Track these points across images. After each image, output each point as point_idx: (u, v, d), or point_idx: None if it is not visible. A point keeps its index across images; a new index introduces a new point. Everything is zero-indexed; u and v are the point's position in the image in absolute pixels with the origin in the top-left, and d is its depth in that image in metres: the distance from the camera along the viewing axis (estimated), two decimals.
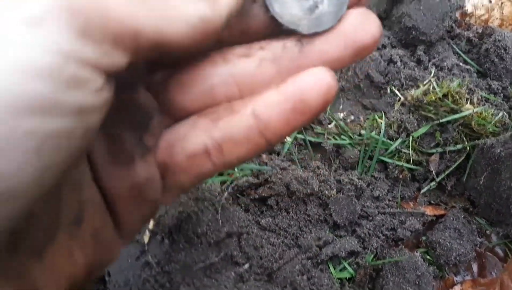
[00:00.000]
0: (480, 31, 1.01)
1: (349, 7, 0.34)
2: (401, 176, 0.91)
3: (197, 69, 0.33)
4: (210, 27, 0.25)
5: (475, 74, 0.99)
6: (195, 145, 0.32)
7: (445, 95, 0.89)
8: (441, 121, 0.89)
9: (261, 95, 0.32)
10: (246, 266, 0.73)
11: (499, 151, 0.80)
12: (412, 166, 0.91)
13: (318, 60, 0.32)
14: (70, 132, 0.19)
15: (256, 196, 0.87)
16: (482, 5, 1.02)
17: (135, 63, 0.24)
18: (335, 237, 0.85)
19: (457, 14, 1.02)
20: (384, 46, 0.99)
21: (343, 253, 0.82)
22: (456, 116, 0.88)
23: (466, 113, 0.88)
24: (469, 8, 1.02)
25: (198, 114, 0.33)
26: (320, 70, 0.31)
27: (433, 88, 0.91)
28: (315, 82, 0.30)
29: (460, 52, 1.00)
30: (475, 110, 0.88)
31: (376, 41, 0.32)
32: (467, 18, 1.03)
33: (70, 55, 0.18)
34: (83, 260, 0.28)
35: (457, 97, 0.89)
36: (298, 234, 0.85)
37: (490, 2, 1.02)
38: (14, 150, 0.17)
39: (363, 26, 0.32)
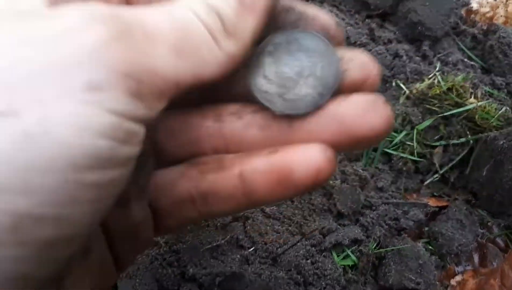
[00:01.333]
0: (485, 28, 1.03)
1: (352, 89, 0.30)
2: (404, 168, 0.92)
3: (186, 119, 0.34)
4: (237, 59, 0.27)
5: (479, 70, 1.00)
6: (181, 192, 0.32)
7: (449, 89, 0.91)
8: (445, 114, 0.91)
9: (251, 158, 0.31)
10: (251, 249, 0.75)
11: (502, 143, 0.82)
12: (416, 158, 0.92)
13: (308, 139, 0.30)
14: (120, 181, 0.22)
15: None
16: (487, 2, 1.04)
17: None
18: (338, 226, 0.86)
19: (462, 11, 1.04)
20: (390, 41, 1.01)
21: (347, 241, 0.84)
22: (460, 109, 0.90)
23: (470, 107, 0.90)
24: (474, 5, 1.04)
25: (188, 162, 0.33)
26: (314, 148, 0.28)
27: (438, 82, 0.92)
28: (305, 160, 0.28)
29: (464, 48, 1.02)
30: (479, 104, 0.90)
31: (378, 134, 0.28)
32: (472, 15, 1.05)
33: (125, 115, 0.20)
34: (91, 287, 0.30)
35: (462, 91, 0.90)
36: (302, 223, 0.87)
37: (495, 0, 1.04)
38: (76, 202, 0.19)
39: (363, 114, 0.28)
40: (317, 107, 0.30)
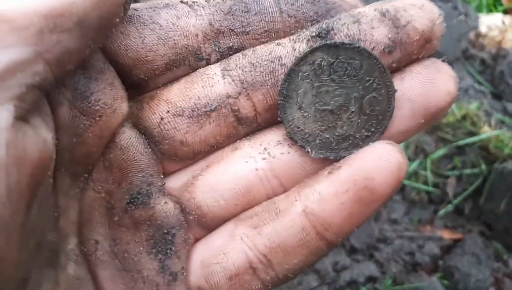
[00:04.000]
0: (493, 52, 1.01)
1: (420, 44, 0.25)
2: (417, 198, 0.89)
3: (226, 165, 0.28)
4: None
5: (489, 95, 0.98)
6: (236, 261, 0.27)
7: (463, 117, 0.88)
8: (459, 143, 0.88)
9: (311, 186, 0.26)
10: None
11: None
12: (429, 188, 0.89)
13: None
14: None
15: None
16: (496, 26, 1.02)
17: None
18: (352, 262, 0.83)
19: (471, 35, 1.02)
20: None
21: (362, 279, 0.80)
22: (475, 138, 0.87)
23: (484, 136, 0.87)
24: (483, 29, 1.02)
25: (235, 219, 0.28)
26: (384, 145, 0.24)
27: (451, 110, 0.90)
28: (381, 161, 0.24)
29: (475, 73, 1.00)
30: (493, 133, 0.88)
31: (453, 98, 0.26)
32: (481, 39, 1.03)
33: None
34: None
35: (475, 119, 0.88)
36: None
37: (504, 23, 1.03)
38: None
39: (433, 83, 0.25)
40: (368, 145, 0.25)
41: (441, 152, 0.89)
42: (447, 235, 0.88)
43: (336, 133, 0.26)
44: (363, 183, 0.24)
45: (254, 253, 0.26)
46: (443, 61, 0.26)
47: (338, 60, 0.26)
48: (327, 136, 0.26)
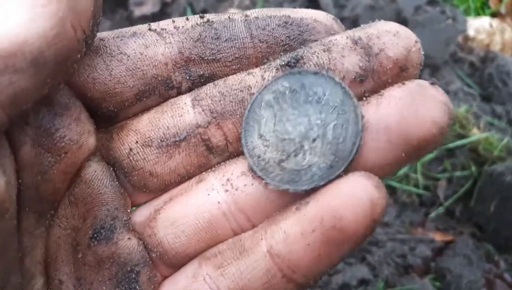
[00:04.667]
0: (482, 55, 1.02)
1: (394, 73, 0.24)
2: (409, 201, 0.90)
3: (189, 198, 0.27)
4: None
5: (478, 97, 0.99)
6: None
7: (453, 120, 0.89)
8: (449, 146, 0.89)
9: (277, 223, 0.24)
10: None
11: (509, 178, 0.80)
12: (420, 191, 0.90)
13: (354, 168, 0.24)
14: None
15: None
16: (484, 29, 1.03)
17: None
18: (345, 265, 0.83)
19: (460, 38, 1.03)
20: None
21: (354, 282, 0.80)
22: (464, 141, 0.88)
23: (473, 138, 0.88)
24: (471, 32, 1.03)
25: (200, 257, 0.27)
26: (358, 178, 0.22)
27: None
28: (351, 197, 0.21)
29: (464, 76, 1.01)
30: (482, 135, 0.89)
31: (441, 129, 0.22)
32: (469, 42, 1.04)
33: None
34: None
35: (465, 122, 0.89)
36: None
37: (491, 27, 1.04)
38: None
39: (415, 110, 0.22)
40: (325, 182, 0.23)
41: (431, 155, 0.90)
42: (438, 237, 0.88)
43: (298, 163, 0.25)
44: (331, 222, 0.22)
45: None
46: (432, 83, 0.23)
47: (300, 88, 0.25)
48: (288, 166, 0.25)
